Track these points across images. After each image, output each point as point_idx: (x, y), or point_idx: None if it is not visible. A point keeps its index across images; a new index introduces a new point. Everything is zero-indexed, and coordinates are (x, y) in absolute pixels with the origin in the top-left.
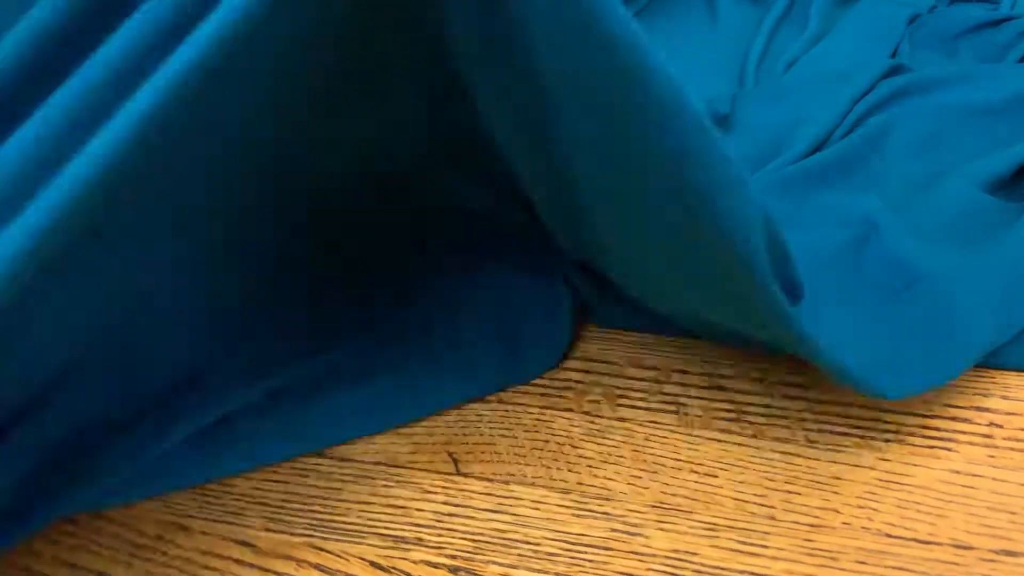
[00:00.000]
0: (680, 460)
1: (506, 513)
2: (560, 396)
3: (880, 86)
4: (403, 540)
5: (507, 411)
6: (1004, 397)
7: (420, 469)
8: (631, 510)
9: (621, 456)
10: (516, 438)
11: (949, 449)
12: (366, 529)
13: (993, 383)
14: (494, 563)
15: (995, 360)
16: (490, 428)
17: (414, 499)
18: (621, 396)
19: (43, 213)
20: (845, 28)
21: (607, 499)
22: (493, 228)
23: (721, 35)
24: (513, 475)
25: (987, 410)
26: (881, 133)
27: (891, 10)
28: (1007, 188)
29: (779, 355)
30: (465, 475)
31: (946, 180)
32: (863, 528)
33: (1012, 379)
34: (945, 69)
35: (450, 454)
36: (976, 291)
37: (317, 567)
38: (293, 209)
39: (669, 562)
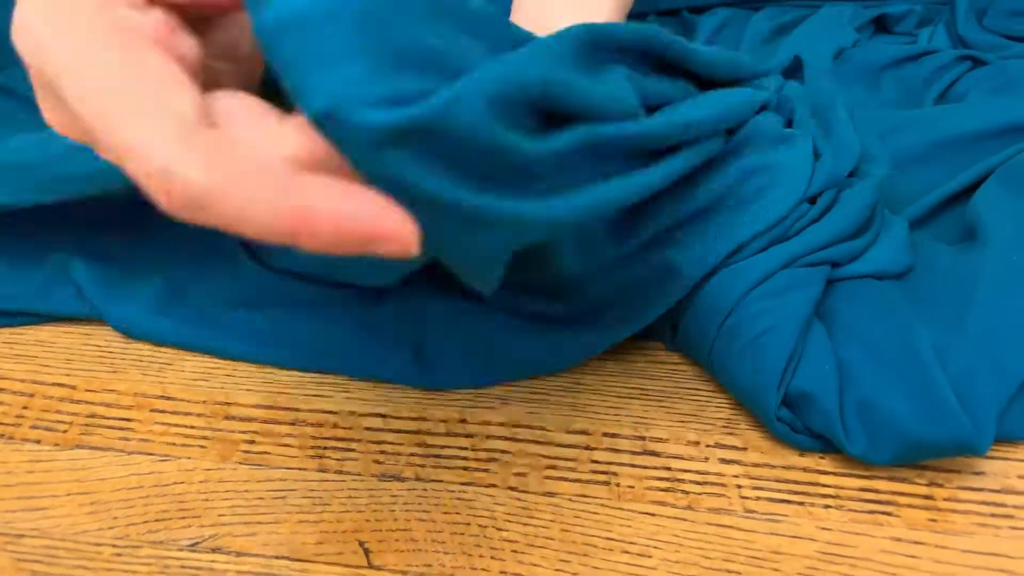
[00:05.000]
0: (612, 539)
1: None
2: (483, 470)
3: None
4: None
5: (425, 490)
6: None
7: (327, 563)
8: None
9: (549, 538)
10: (434, 522)
11: (890, 514)
12: None
13: None
14: None
15: None
16: (406, 511)
17: None
18: (549, 467)
19: None
20: (774, 63)
21: None
22: None
23: None
24: (430, 565)
25: (926, 468)
26: None
27: (818, 45)
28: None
29: (712, 416)
30: (377, 568)
31: None
32: None
33: None
34: None
35: (361, 543)
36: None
37: None
38: None
39: None
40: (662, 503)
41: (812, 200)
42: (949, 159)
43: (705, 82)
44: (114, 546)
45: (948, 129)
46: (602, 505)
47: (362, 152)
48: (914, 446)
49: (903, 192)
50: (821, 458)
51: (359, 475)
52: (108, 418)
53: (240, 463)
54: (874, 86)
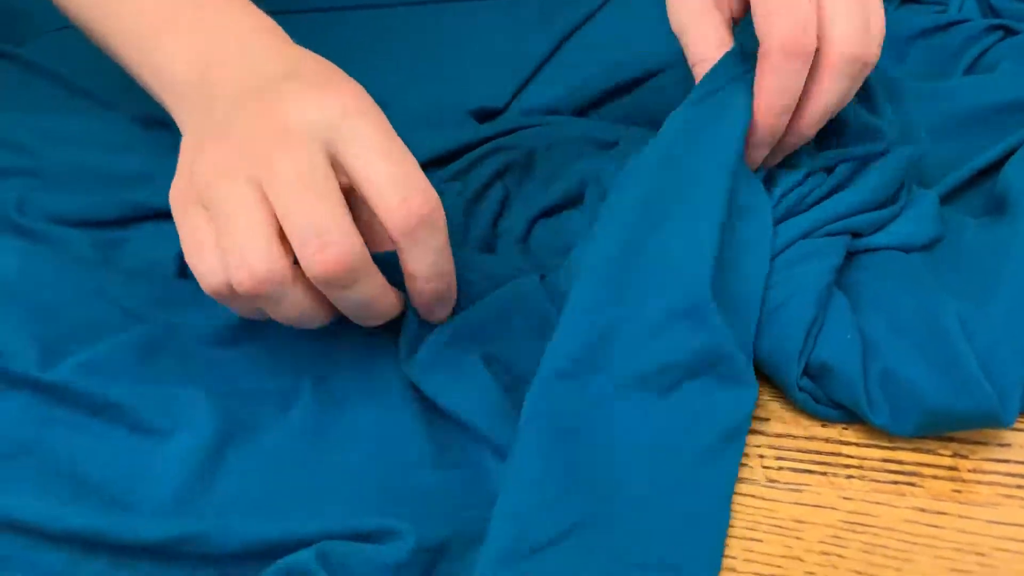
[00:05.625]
0: None
1: None
2: None
3: None
4: None
5: None
6: None
7: None
8: None
9: None
10: None
11: (914, 484)
12: None
13: None
14: None
15: None
16: None
17: None
18: None
19: None
20: None
21: None
22: None
23: None
24: None
25: (951, 439)
26: None
27: None
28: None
29: None
30: None
31: None
32: None
33: None
34: None
35: None
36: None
37: None
38: None
39: None
40: None
41: (828, 170)
42: (979, 131)
43: None
44: None
45: (978, 100)
46: None
47: None
48: (938, 417)
49: (931, 164)
50: (844, 428)
51: None
52: None
53: None
54: (902, 56)
